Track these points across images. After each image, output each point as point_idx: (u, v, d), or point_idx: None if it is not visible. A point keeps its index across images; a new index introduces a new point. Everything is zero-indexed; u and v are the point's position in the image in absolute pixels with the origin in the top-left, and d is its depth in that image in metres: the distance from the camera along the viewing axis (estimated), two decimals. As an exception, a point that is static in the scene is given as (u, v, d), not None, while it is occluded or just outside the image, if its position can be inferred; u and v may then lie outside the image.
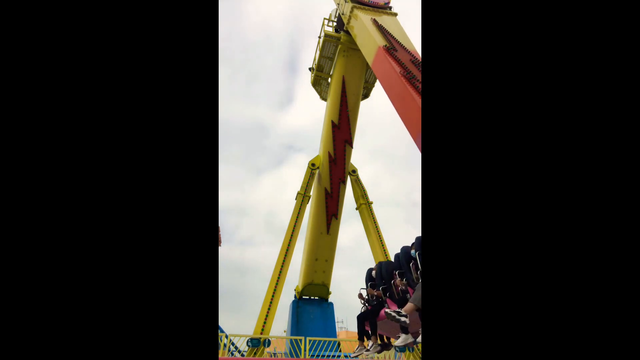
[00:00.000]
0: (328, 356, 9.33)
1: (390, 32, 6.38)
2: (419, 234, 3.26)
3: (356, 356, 4.65)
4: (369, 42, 6.53)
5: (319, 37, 10.17)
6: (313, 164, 11.06)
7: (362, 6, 7.46)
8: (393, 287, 3.99)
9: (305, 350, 8.70)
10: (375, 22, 6.73)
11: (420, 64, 5.40)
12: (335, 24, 9.85)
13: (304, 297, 11.99)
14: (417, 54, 5.83)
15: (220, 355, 7.92)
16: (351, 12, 7.58)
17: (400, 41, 6.11)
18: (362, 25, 6.96)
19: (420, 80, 5.01)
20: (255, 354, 8.75)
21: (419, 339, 4.07)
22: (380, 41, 6.03)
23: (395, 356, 9.57)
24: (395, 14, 7.69)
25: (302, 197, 10.72)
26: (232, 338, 8.79)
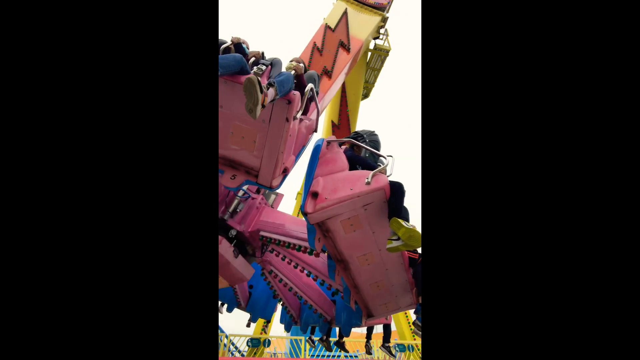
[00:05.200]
0: (328, 356, 9.33)
1: (350, 20, 6.82)
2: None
3: None
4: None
5: (319, 37, 10.18)
6: (313, 164, 11.02)
7: None
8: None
9: (305, 350, 8.70)
10: (345, 10, 7.05)
11: (346, 47, 6.00)
12: (334, 23, 9.90)
13: None
14: (358, 42, 6.32)
15: (220, 355, 7.92)
16: (335, 1, 7.93)
17: (351, 28, 6.58)
18: (332, 11, 7.35)
19: (322, 53, 5.69)
20: (255, 354, 8.75)
21: None
22: (328, 21, 6.51)
23: (395, 356, 9.57)
24: (381, 15, 7.96)
25: (304, 197, 10.67)
26: (232, 338, 8.79)
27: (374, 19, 7.87)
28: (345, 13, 6.87)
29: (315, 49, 5.83)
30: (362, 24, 7.24)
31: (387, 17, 8.34)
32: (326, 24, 6.41)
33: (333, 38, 6.15)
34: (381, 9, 8.06)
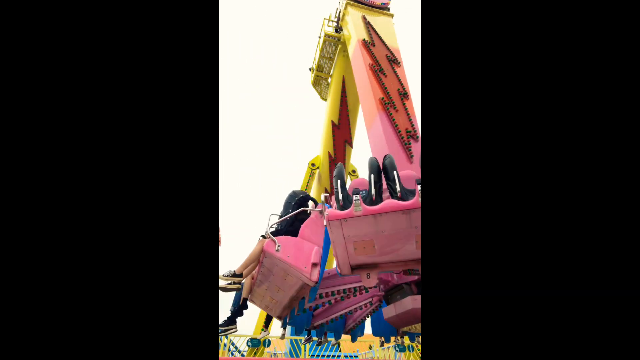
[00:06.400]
0: (328, 356, 9.35)
1: (377, 29, 6.57)
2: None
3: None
4: (351, 36, 6.73)
5: (319, 37, 10.19)
6: (313, 164, 11.04)
7: (356, 3, 7.59)
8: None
9: (305, 350, 8.70)
10: (364, 18, 6.89)
11: (396, 61, 5.71)
12: (335, 24, 9.90)
13: None
14: (398, 52, 6.05)
15: (220, 355, 7.92)
16: (345, 8, 7.76)
17: (385, 39, 6.31)
18: (351, 20, 7.10)
19: (386, 74, 5.34)
20: (255, 354, 8.75)
21: None
22: (362, 35, 6.23)
23: (395, 356, 9.57)
24: (391, 15, 7.82)
25: (302, 198, 10.68)
26: (232, 338, 8.79)
27: (388, 21, 7.64)
28: (368, 23, 6.62)
29: (379, 72, 5.45)
30: (385, 29, 6.95)
31: (393, 15, 8.22)
32: (363, 39, 6.07)
33: (380, 54, 5.82)
34: (386, 8, 7.94)
